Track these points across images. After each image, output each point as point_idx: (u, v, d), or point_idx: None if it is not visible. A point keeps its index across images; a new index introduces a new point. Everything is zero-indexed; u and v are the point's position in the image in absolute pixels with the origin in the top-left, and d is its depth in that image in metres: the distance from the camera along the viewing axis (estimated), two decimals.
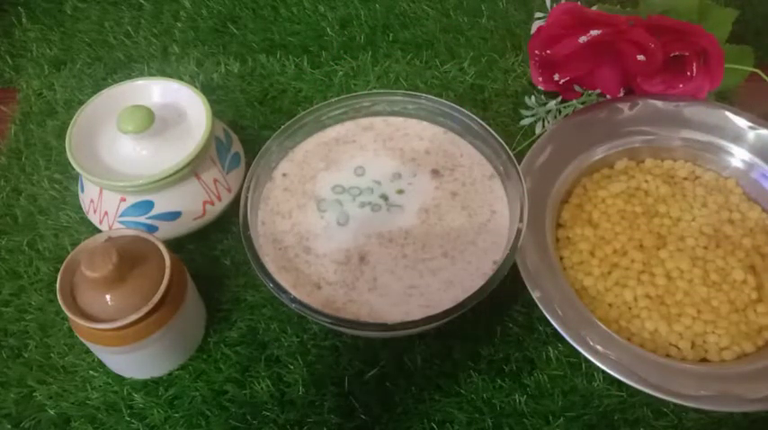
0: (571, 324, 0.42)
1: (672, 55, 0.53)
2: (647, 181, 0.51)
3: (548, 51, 0.55)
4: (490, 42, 0.64)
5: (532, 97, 0.58)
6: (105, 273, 0.38)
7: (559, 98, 0.57)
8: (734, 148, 0.51)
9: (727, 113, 0.51)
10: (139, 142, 0.48)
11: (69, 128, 0.48)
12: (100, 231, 0.48)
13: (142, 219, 0.48)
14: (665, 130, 0.52)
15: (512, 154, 0.47)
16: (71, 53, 0.64)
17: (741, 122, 0.51)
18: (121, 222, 0.48)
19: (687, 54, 0.53)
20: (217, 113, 0.52)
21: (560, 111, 0.57)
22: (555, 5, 0.56)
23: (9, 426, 0.44)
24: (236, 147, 0.53)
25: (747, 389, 0.40)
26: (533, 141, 0.52)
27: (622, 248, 0.47)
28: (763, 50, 0.57)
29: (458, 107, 0.50)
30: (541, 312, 0.43)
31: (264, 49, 0.64)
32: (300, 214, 0.48)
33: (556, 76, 0.57)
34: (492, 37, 0.64)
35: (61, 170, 0.56)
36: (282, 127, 0.50)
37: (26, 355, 0.47)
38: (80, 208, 0.52)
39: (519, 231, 0.43)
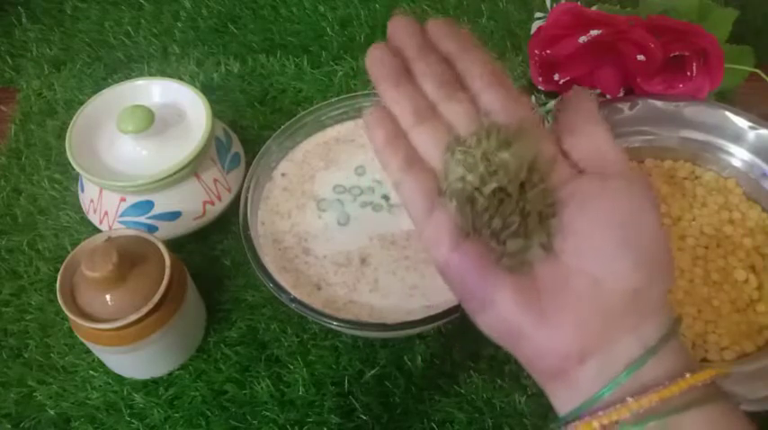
0: None
1: (672, 55, 0.53)
2: None
3: (548, 51, 0.55)
4: (490, 42, 0.64)
5: (532, 97, 0.58)
6: (105, 273, 0.38)
7: (559, 98, 0.57)
8: (734, 148, 0.51)
9: (727, 113, 0.51)
10: (139, 142, 0.48)
11: (69, 128, 0.48)
12: (100, 231, 0.48)
13: (142, 219, 0.48)
14: (665, 130, 0.52)
15: None
16: (71, 53, 0.64)
17: (741, 122, 0.51)
18: (121, 222, 0.48)
19: (687, 54, 0.53)
20: (217, 113, 0.52)
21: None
22: (555, 5, 0.56)
23: (9, 426, 0.44)
24: (236, 147, 0.53)
25: (747, 389, 0.40)
26: None
27: None
28: (763, 50, 0.56)
29: None
30: None
31: (264, 49, 0.64)
32: (299, 214, 0.48)
33: (556, 76, 0.56)
34: (492, 37, 0.64)
35: (61, 170, 0.56)
36: (282, 127, 0.50)
37: (26, 355, 0.47)
38: (80, 208, 0.52)
39: None
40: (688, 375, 0.27)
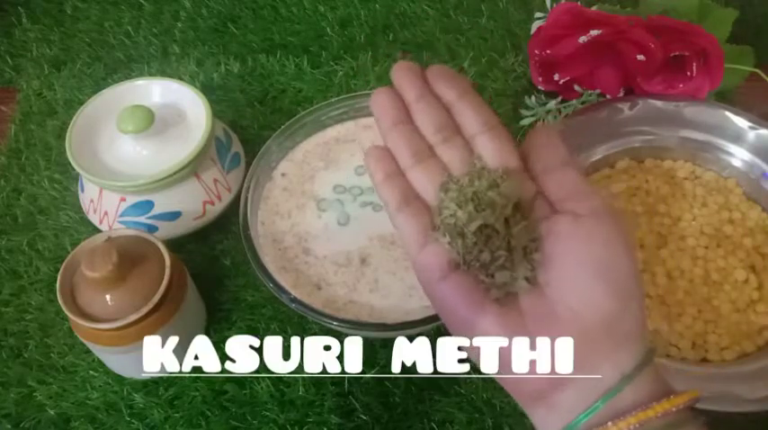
0: None
1: (672, 55, 0.53)
2: (647, 181, 0.51)
3: (548, 51, 0.55)
4: (490, 42, 0.64)
5: (532, 97, 0.58)
6: (105, 273, 0.38)
7: (559, 98, 0.57)
8: (734, 148, 0.51)
9: (727, 113, 0.51)
10: (139, 142, 0.48)
11: (69, 128, 0.48)
12: (100, 231, 0.48)
13: (142, 219, 0.48)
14: (665, 130, 0.52)
15: None
16: (71, 53, 0.64)
17: (741, 122, 0.51)
18: (121, 222, 0.48)
19: (687, 54, 0.53)
20: (217, 113, 0.52)
21: (560, 111, 0.57)
22: (555, 5, 0.56)
23: (9, 426, 0.44)
24: (236, 147, 0.53)
25: (747, 389, 0.40)
26: None
27: None
28: (763, 50, 0.57)
29: None
30: None
31: (264, 49, 0.64)
32: (299, 214, 0.48)
33: (556, 76, 0.57)
34: (492, 37, 0.64)
35: (61, 170, 0.56)
36: (282, 127, 0.50)
37: (26, 355, 0.47)
38: (80, 208, 0.52)
39: None
40: (664, 400, 0.28)
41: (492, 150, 0.33)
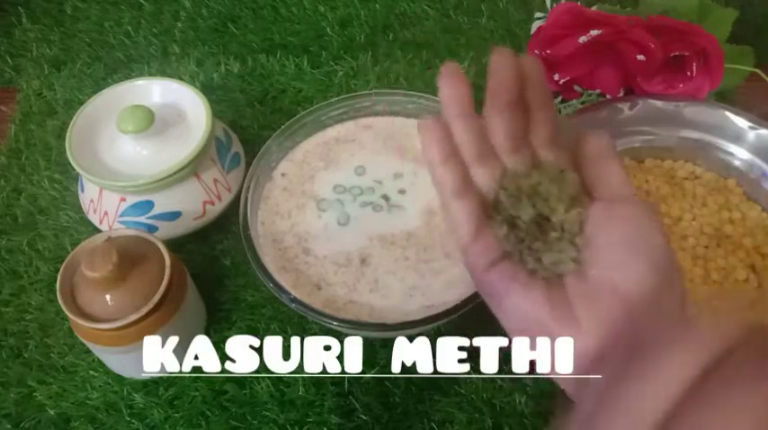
0: None
1: (672, 55, 0.53)
2: (647, 181, 0.51)
3: (548, 51, 0.55)
4: (490, 42, 0.64)
5: None
6: (105, 273, 0.38)
7: (559, 98, 0.57)
8: (734, 148, 0.51)
9: (727, 113, 0.51)
10: (139, 142, 0.48)
11: (69, 128, 0.48)
12: (100, 231, 0.48)
13: (142, 219, 0.48)
14: (665, 130, 0.52)
15: None
16: (71, 53, 0.64)
17: (741, 122, 0.51)
18: (121, 222, 0.48)
19: (687, 54, 0.53)
20: (217, 113, 0.52)
21: (560, 111, 0.57)
22: (555, 5, 0.56)
23: (9, 426, 0.44)
24: (236, 147, 0.53)
25: None
26: None
27: None
28: (763, 50, 0.57)
29: None
30: None
31: (264, 49, 0.64)
32: (299, 214, 0.48)
33: (556, 76, 0.56)
34: (492, 37, 0.64)
35: (61, 170, 0.56)
36: (282, 127, 0.50)
37: (26, 355, 0.47)
38: (80, 208, 0.52)
39: None
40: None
41: (552, 157, 0.34)
